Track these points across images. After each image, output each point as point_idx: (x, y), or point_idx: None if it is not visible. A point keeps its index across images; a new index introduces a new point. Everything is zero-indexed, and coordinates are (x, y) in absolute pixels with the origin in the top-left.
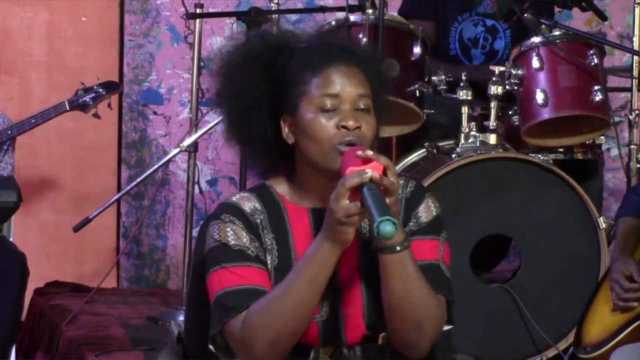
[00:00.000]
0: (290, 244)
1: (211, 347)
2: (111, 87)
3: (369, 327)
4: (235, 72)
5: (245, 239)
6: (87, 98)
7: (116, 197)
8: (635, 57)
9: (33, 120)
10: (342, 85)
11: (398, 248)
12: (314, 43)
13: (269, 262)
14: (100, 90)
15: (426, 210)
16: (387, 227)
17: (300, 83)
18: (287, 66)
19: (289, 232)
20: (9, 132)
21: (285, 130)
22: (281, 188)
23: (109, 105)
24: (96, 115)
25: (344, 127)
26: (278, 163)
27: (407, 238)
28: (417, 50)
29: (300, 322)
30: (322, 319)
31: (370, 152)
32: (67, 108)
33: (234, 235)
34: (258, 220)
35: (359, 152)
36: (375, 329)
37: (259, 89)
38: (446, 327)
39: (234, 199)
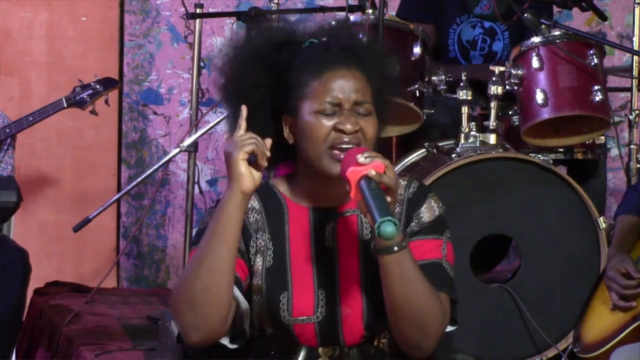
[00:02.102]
0: (287, 245)
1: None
2: (108, 83)
3: (368, 329)
4: (238, 69)
5: None
6: (85, 95)
7: (116, 197)
8: (635, 57)
9: (31, 118)
10: (343, 92)
11: (395, 248)
12: (317, 39)
13: (260, 262)
14: (98, 86)
15: (429, 210)
16: (387, 228)
17: (302, 85)
18: (290, 65)
19: (286, 233)
20: (7, 130)
21: (287, 130)
22: (283, 187)
23: (107, 102)
24: (93, 112)
25: (341, 130)
26: (280, 162)
27: (405, 238)
28: (417, 50)
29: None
30: (318, 320)
31: (368, 157)
32: (65, 105)
33: None
34: (252, 219)
35: (359, 156)
36: (374, 331)
37: (261, 87)
38: (449, 329)
39: None
